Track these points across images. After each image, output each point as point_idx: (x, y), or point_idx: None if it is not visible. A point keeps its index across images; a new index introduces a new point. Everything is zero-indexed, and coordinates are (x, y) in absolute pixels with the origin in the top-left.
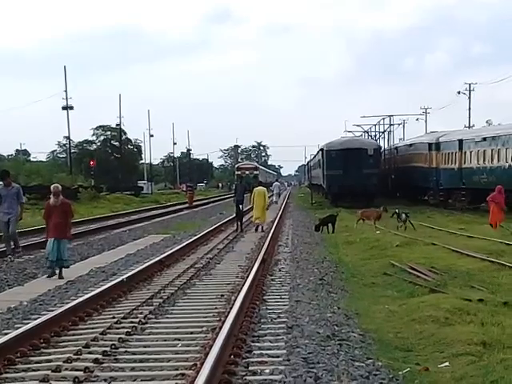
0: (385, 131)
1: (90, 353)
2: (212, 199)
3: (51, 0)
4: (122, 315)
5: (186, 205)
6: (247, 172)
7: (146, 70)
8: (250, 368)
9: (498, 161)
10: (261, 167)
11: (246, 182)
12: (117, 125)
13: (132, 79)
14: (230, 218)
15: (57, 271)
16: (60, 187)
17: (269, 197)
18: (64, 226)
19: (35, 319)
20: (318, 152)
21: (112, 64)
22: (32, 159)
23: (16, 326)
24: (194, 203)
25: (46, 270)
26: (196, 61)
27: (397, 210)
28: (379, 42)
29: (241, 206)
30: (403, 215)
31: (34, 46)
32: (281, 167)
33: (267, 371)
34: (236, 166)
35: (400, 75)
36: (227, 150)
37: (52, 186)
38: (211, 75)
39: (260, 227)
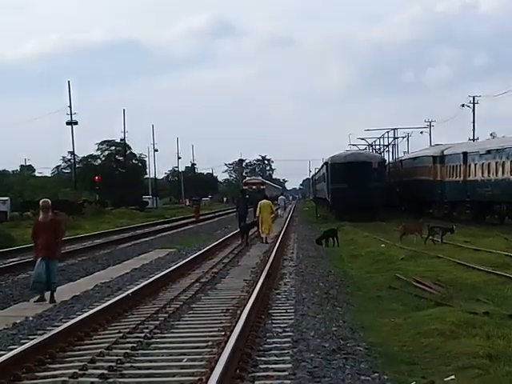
0: (389, 144)
1: (95, 368)
2: (217, 213)
3: (51, 14)
4: (128, 330)
5: (191, 219)
6: (254, 187)
7: (149, 84)
8: (256, 382)
9: (503, 173)
10: (267, 182)
11: (249, 196)
12: (121, 139)
13: (136, 93)
14: (236, 232)
15: (47, 295)
16: (50, 202)
17: (276, 209)
18: (53, 244)
19: (41, 335)
20: (323, 166)
21: (115, 78)
22: (37, 174)
23: (22, 341)
24: (200, 217)
25: (33, 293)
26: (198, 74)
27: (429, 225)
28: (380, 54)
29: (244, 220)
30: (437, 229)
31: (35, 60)
32: (285, 181)
33: None
34: (244, 181)
35: (403, 88)
36: (232, 165)
37: (41, 201)
38: (214, 88)
39: (265, 239)
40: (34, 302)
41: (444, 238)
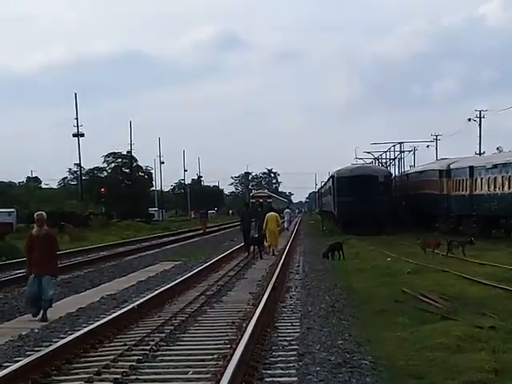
0: (395, 158)
1: (101, 380)
2: (223, 226)
3: (58, 26)
4: (134, 342)
5: (197, 232)
6: (261, 200)
7: (156, 96)
8: None
9: (509, 188)
10: (274, 195)
11: (253, 208)
12: (128, 152)
13: (142, 105)
14: (242, 244)
15: (38, 313)
16: (45, 215)
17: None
18: (47, 259)
19: (46, 346)
20: (329, 179)
21: (122, 90)
22: (43, 186)
23: (27, 353)
24: (207, 230)
25: (29, 309)
26: (205, 87)
27: (447, 239)
28: (386, 68)
29: (248, 234)
30: (455, 243)
31: (41, 72)
32: (291, 194)
33: None
34: (251, 194)
35: (409, 102)
36: (238, 177)
37: (36, 214)
38: (220, 101)
39: (272, 250)
40: (33, 316)
41: (466, 251)
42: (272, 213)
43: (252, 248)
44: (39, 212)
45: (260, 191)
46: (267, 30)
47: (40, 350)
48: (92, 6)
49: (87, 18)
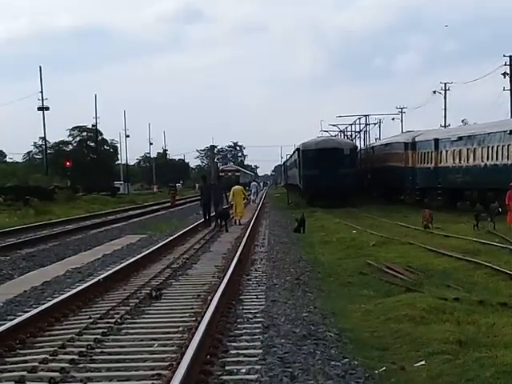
0: (361, 131)
1: (65, 353)
2: (188, 199)
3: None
4: (99, 315)
5: (163, 205)
6: (230, 174)
7: (121, 70)
8: (227, 368)
9: (474, 160)
10: (241, 169)
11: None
12: (93, 125)
13: (108, 79)
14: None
15: None
16: None
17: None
18: None
19: (11, 320)
20: (294, 152)
21: (87, 64)
22: (8, 160)
23: None
24: (176, 202)
25: None
26: (170, 60)
27: (474, 212)
28: (351, 41)
29: (208, 208)
30: (484, 215)
31: (4, 44)
32: (257, 167)
33: (243, 371)
34: (220, 168)
35: (375, 75)
36: (203, 151)
37: None
38: (185, 74)
39: (238, 221)
40: None
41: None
42: (238, 186)
43: (219, 221)
44: None
45: (228, 166)
46: (230, 3)
47: (4, 324)
48: None
49: None
